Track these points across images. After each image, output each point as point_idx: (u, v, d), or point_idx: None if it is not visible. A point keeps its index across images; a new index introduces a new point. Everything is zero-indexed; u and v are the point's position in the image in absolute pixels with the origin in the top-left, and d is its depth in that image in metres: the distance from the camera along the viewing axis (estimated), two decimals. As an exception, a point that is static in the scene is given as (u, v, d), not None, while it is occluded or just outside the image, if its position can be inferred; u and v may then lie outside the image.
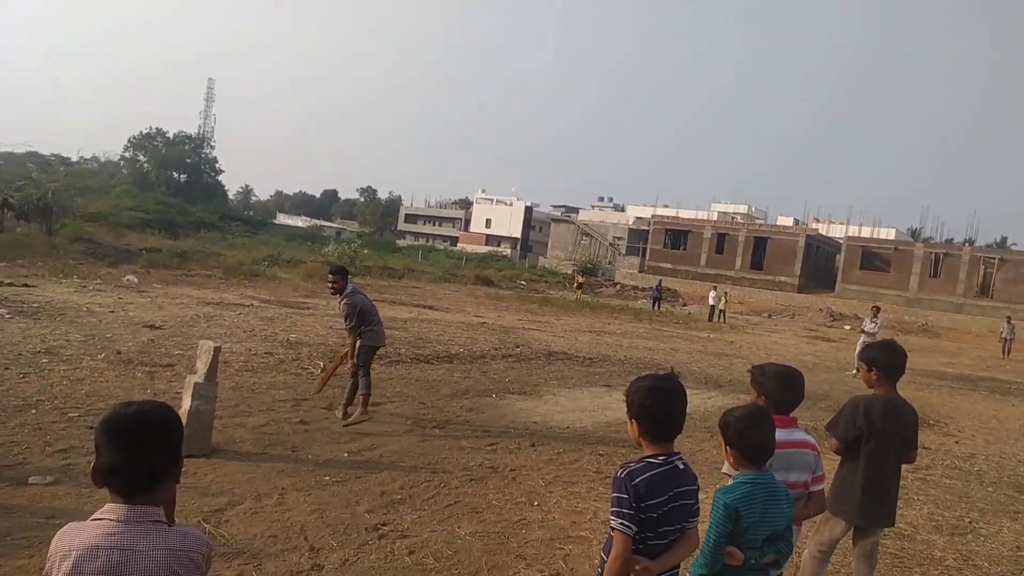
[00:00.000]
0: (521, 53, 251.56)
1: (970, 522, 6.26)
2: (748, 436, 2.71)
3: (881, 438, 3.88)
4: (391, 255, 51.52)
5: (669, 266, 55.19)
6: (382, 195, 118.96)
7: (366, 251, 45.96)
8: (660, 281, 41.08)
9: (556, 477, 6.39)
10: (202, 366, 6.29)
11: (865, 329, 17.39)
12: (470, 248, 79.11)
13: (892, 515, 4.05)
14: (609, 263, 64.27)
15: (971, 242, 52.67)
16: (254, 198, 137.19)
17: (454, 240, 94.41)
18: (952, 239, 57.39)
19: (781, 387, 3.28)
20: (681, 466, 2.54)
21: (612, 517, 2.46)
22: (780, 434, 3.04)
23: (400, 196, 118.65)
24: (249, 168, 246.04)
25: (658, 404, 2.54)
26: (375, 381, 8.54)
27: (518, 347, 14.99)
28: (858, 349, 16.22)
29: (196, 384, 6.15)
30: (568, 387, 11.21)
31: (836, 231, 61.63)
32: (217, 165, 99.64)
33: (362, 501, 5.37)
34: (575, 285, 41.00)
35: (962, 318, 43.49)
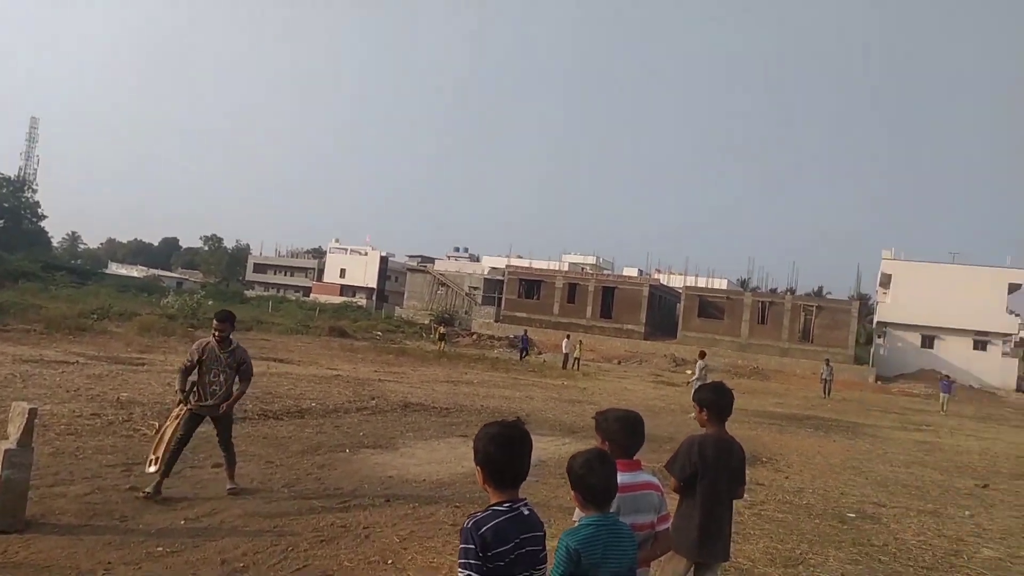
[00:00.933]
0: (373, 100, 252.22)
1: (801, 553, 6.71)
2: (590, 480, 2.78)
3: (714, 475, 4.10)
4: (238, 306, 49.06)
5: (524, 315, 56.31)
6: (228, 243, 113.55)
7: (210, 302, 43.53)
8: (526, 331, 41.69)
9: (411, 533, 6.23)
10: (14, 430, 5.64)
11: (688, 372, 18.63)
12: (324, 299, 77.04)
13: (727, 550, 4.26)
14: (466, 312, 64.67)
15: (792, 291, 57.74)
16: (82, 246, 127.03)
17: (307, 290, 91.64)
18: (776, 288, 62.69)
19: (622, 431, 3.40)
20: (527, 512, 2.55)
21: (459, 569, 2.43)
22: (625, 477, 3.15)
23: (248, 245, 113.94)
24: (78, 214, 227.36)
25: (502, 451, 2.55)
26: (215, 442, 8.02)
27: (373, 399, 14.66)
28: (692, 392, 17.57)
29: (7, 450, 5.50)
30: (424, 439, 11.06)
31: (675, 281, 65.62)
32: (40, 210, 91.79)
33: (200, 572, 4.98)
34: (436, 336, 40.58)
35: (788, 361, 47.31)
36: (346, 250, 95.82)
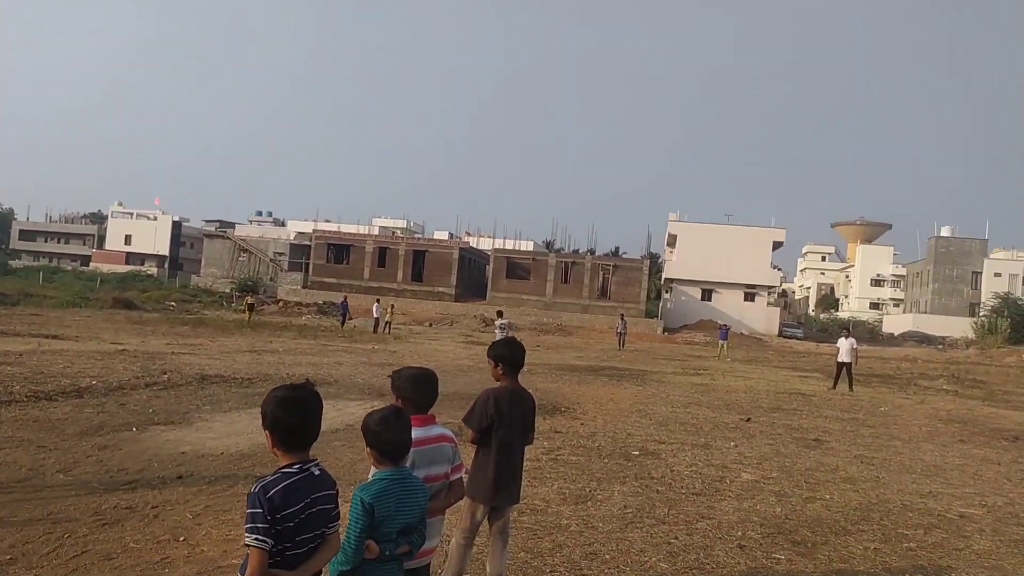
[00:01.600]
0: (166, 45, 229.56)
1: (590, 491, 7.29)
2: (383, 436, 2.86)
3: (508, 425, 4.36)
4: (2, 278, 43.46)
5: (333, 280, 54.99)
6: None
7: (-37, 274, 38.16)
8: (345, 297, 40.64)
9: (207, 508, 6.00)
10: None
11: (495, 331, 19.57)
12: (107, 268, 70.26)
13: (518, 493, 4.56)
14: (271, 280, 61.92)
15: (592, 252, 61.24)
16: None
17: (86, 260, 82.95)
18: (578, 250, 66.11)
19: (413, 388, 3.51)
20: (317, 472, 2.59)
21: (247, 534, 2.43)
22: (419, 432, 3.27)
23: (13, 209, 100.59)
24: None
25: (291, 414, 2.55)
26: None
27: (165, 374, 13.71)
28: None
29: None
30: (223, 411, 10.57)
31: (485, 244, 67.11)
32: None
33: (-45, 571, 4.48)
34: (244, 306, 37.87)
35: (588, 317, 50.37)
36: (132, 214, 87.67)
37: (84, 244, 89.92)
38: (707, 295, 56.55)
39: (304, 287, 55.90)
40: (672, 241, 59.47)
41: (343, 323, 36.44)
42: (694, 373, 23.17)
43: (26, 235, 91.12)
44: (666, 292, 58.55)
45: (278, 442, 2.58)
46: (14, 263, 70.47)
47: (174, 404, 10.81)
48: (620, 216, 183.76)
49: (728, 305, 55.18)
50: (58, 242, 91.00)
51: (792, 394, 18.26)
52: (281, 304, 49.04)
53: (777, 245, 58.65)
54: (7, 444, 7.71)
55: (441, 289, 54.71)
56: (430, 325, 44.09)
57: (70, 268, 70.34)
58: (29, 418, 9.09)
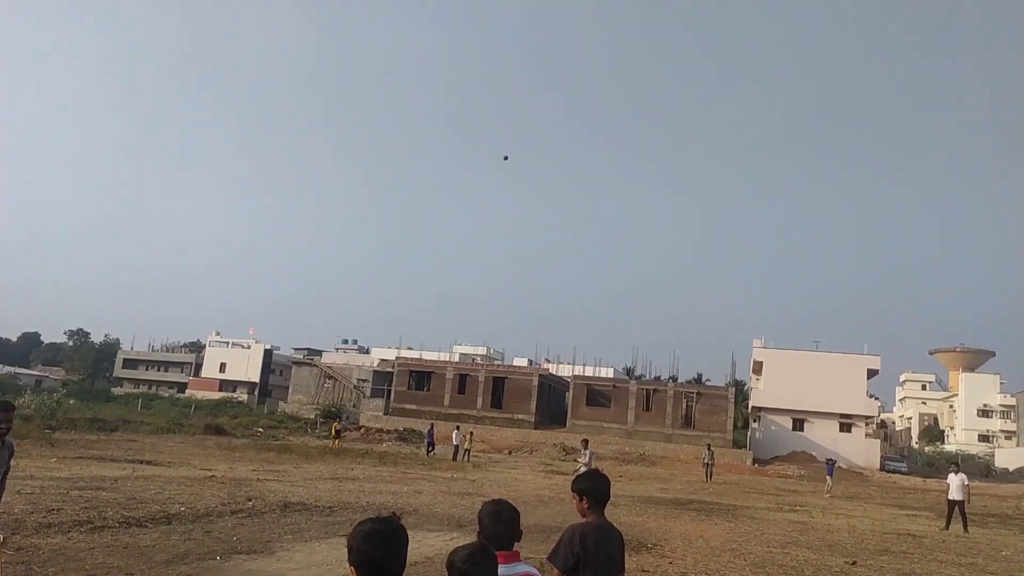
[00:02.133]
0: (256, 186, 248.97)
1: (682, 637, 6.80)
2: (470, 574, 2.79)
3: (595, 564, 4.17)
4: (104, 405, 45.78)
5: (414, 407, 55.38)
6: (96, 338, 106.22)
7: (72, 401, 40.38)
8: (432, 425, 40.19)
9: (285, 642, 5.88)
10: None
11: (579, 460, 19.03)
12: (201, 395, 73.11)
13: None
14: (354, 406, 62.92)
15: (674, 379, 59.91)
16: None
17: (183, 387, 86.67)
18: (659, 376, 64.84)
19: (492, 522, 3.44)
20: None
21: None
22: (503, 569, 3.17)
23: (118, 339, 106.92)
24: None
25: (377, 549, 2.50)
26: (73, 552, 7.35)
27: (250, 500, 13.87)
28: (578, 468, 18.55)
29: None
30: (304, 540, 10.53)
31: (564, 371, 66.73)
32: None
33: None
34: (332, 432, 38.31)
35: (672, 447, 48.59)
36: (227, 343, 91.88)
37: (182, 372, 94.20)
38: (799, 424, 53.93)
39: (386, 413, 56.43)
40: (758, 368, 57.68)
41: (429, 451, 35.87)
42: (790, 509, 21.76)
43: (129, 363, 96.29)
44: (754, 421, 56.21)
45: None
46: (116, 390, 74.27)
47: (257, 532, 10.85)
48: (702, 343, 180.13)
49: (822, 436, 52.35)
50: (158, 370, 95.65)
51: (901, 535, 16.83)
52: (363, 430, 49.50)
53: (872, 373, 56.00)
54: (98, 570, 7.86)
55: (520, 416, 54.20)
56: (509, 453, 43.41)
57: (167, 395, 73.54)
58: (120, 544, 9.28)
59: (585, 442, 21.07)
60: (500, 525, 3.43)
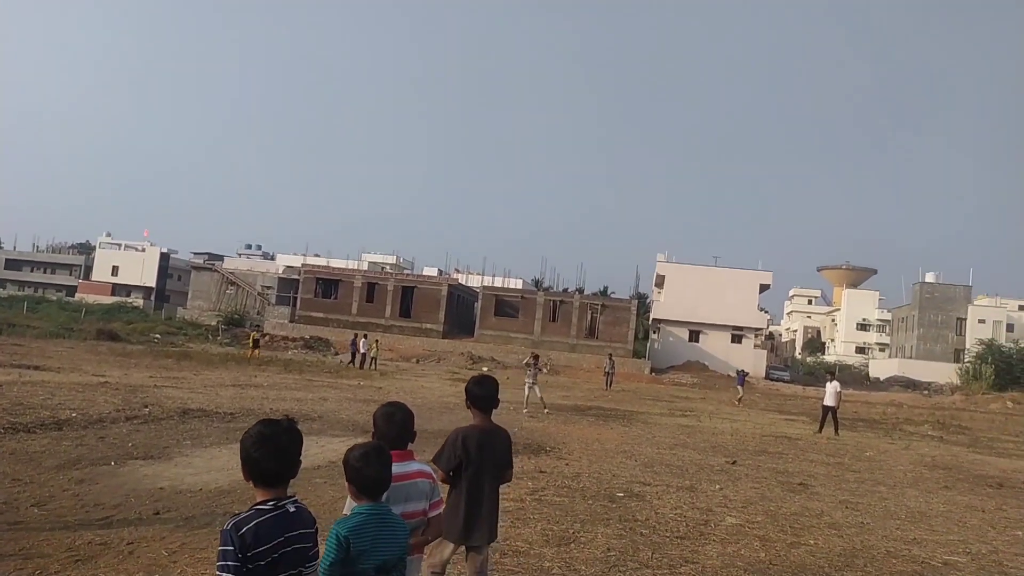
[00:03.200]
0: (161, 78, 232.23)
1: (573, 532, 7.23)
2: (364, 472, 2.85)
3: (478, 464, 4.33)
4: (-16, 307, 43.04)
5: (321, 315, 54.76)
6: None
7: (-54, 303, 37.76)
8: (356, 335, 37.28)
9: (182, 545, 5.89)
10: None
11: (526, 380, 20.23)
12: (92, 299, 69.71)
13: (494, 531, 4.50)
14: (258, 313, 61.59)
15: (581, 291, 61.39)
16: None
17: (72, 290, 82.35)
18: (567, 288, 66.27)
19: (386, 423, 3.51)
20: (293, 509, 2.57)
21: (217, 572, 2.41)
22: (395, 467, 3.26)
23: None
24: None
25: (266, 450, 2.55)
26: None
27: (146, 407, 13.56)
28: (526, 392, 19.84)
29: None
30: (204, 446, 10.44)
31: (474, 281, 67.18)
32: None
33: (-79, 608, 4.37)
34: (250, 341, 35.52)
35: (576, 356, 50.29)
36: (120, 245, 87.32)
37: (71, 274, 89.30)
38: (695, 336, 56.67)
39: (291, 321, 55.61)
40: (660, 282, 59.78)
41: (353, 362, 34.15)
42: (680, 415, 23.11)
43: (11, 264, 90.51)
44: (654, 333, 58.65)
45: (252, 477, 2.57)
46: (-2, 292, 69.84)
47: (154, 438, 10.67)
48: (609, 256, 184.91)
49: (715, 347, 55.31)
50: (44, 272, 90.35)
51: (778, 437, 18.23)
52: (267, 338, 48.69)
53: (764, 288, 59.05)
54: (-19, 477, 7.58)
55: (429, 326, 54.57)
56: (417, 362, 43.87)
57: (55, 298, 69.76)
58: (6, 450, 8.95)
59: (535, 357, 21.97)
60: (393, 426, 3.50)
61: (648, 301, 68.11)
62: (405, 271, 74.72)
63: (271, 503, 2.53)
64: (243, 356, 32.81)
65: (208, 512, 6.98)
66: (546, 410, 19.48)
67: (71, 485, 7.57)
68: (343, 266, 66.02)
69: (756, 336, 59.32)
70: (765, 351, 61.05)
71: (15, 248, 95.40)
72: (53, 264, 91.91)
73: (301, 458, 2.65)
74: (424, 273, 72.41)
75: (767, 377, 54.79)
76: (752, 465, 12.90)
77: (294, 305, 59.04)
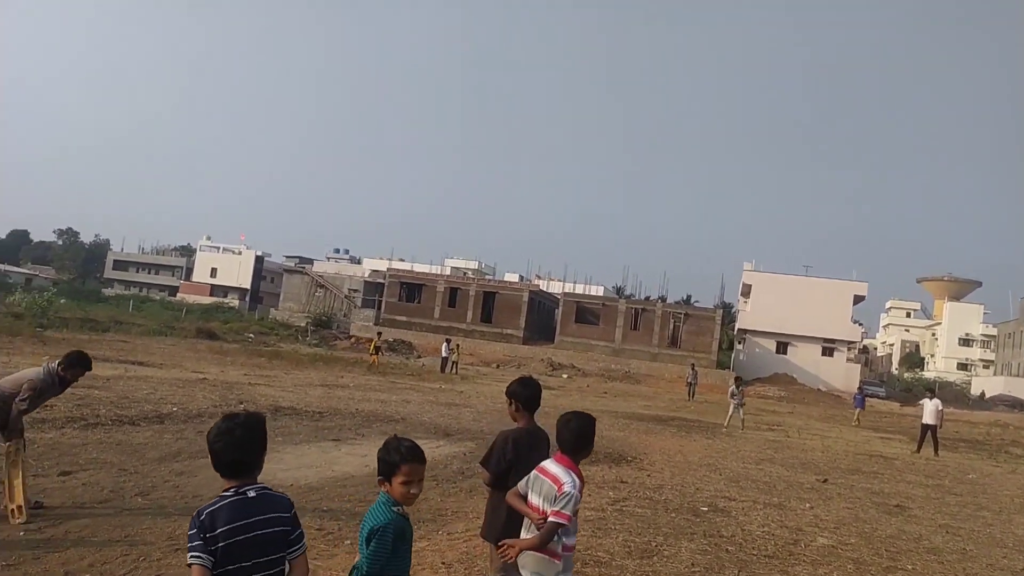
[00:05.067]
0: (254, 93, 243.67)
1: (656, 545, 7.09)
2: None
3: (525, 467, 4.29)
4: (95, 305, 45.93)
5: (404, 319, 55.87)
6: (85, 238, 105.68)
7: (63, 301, 40.48)
8: (448, 340, 37.29)
9: (275, 538, 6.10)
10: None
11: (733, 394, 20.73)
12: (192, 299, 73.28)
13: None
14: (344, 316, 63.37)
15: (663, 299, 60.46)
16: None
17: (173, 290, 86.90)
18: (648, 296, 65.42)
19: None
20: (252, 495, 2.68)
21: (188, 552, 2.57)
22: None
23: (108, 240, 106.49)
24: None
25: (220, 442, 2.71)
26: (67, 447, 7.51)
27: (241, 403, 14.14)
28: (730, 411, 20.37)
29: None
30: (294, 443, 10.80)
31: (555, 287, 67.14)
32: None
33: (39, 586, 4.68)
34: (371, 347, 33.77)
35: (657, 365, 49.46)
36: (218, 248, 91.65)
37: (173, 275, 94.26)
38: (782, 348, 54.86)
39: (376, 324, 56.94)
40: (747, 291, 58.18)
41: (444, 368, 33.69)
42: (767, 428, 22.40)
43: (119, 265, 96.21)
44: (739, 343, 57.11)
45: (217, 468, 2.73)
46: (107, 291, 74.39)
47: (248, 434, 11.09)
48: (693, 264, 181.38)
49: (804, 359, 53.38)
50: (148, 273, 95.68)
51: (873, 456, 17.41)
52: (353, 340, 50.06)
53: (858, 299, 56.62)
54: (91, 466, 8.06)
55: (509, 331, 54.85)
56: (497, 366, 44.14)
57: (158, 298, 73.73)
58: (113, 441, 9.50)
59: (738, 380, 22.24)
60: (565, 432, 3.74)
61: (733, 311, 66.43)
62: (487, 276, 75.42)
63: (232, 490, 2.67)
64: (368, 362, 31.37)
65: (299, 507, 7.12)
66: (742, 429, 19.89)
67: (172, 476, 7.96)
68: (426, 271, 67.18)
69: (849, 349, 56.90)
70: (858, 365, 58.42)
71: (122, 250, 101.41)
72: (157, 265, 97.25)
73: (263, 450, 2.78)
74: (506, 279, 72.85)
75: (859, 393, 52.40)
76: (845, 484, 12.36)
77: (379, 308, 60.45)
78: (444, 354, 34.73)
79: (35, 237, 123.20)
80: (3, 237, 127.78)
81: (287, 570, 2.72)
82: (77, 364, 6.42)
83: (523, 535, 3.77)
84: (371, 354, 32.88)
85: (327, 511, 7.13)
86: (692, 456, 13.89)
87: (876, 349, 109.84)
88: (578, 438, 3.72)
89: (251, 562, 2.59)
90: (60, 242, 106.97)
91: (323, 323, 55.50)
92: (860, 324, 61.00)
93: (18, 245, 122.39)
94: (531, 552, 3.59)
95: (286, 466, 9.13)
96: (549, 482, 3.63)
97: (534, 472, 3.75)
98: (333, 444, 11.03)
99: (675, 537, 7.49)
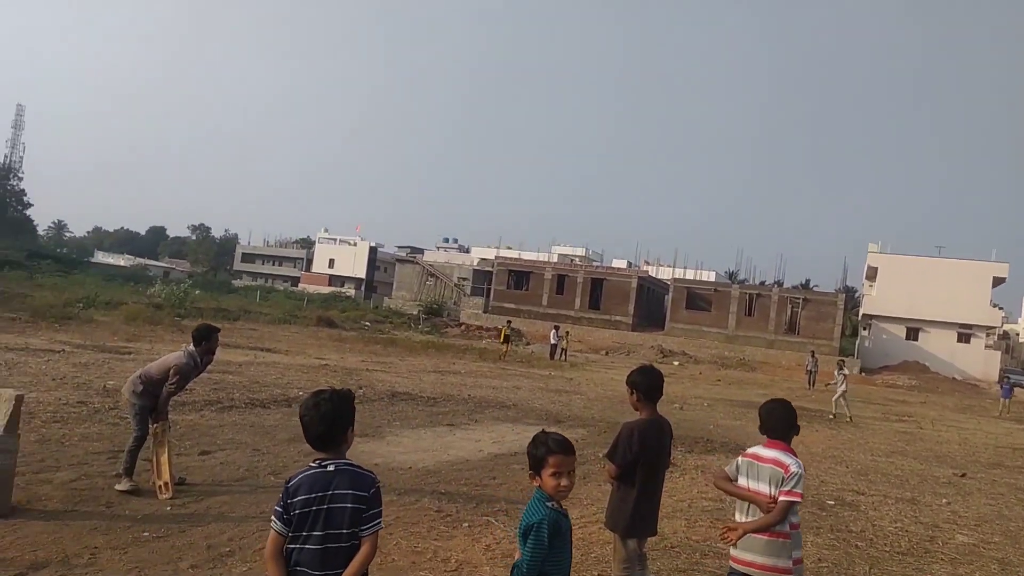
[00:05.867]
0: (367, 95, 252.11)
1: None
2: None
3: (653, 458, 4.20)
4: (226, 296, 48.95)
5: (512, 306, 56.40)
6: (216, 233, 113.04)
7: (197, 292, 43.39)
8: (557, 327, 36.33)
9: (396, 519, 6.31)
10: (0, 417, 5.68)
11: (835, 385, 20.30)
12: (312, 289, 76.88)
13: (656, 525, 4.39)
14: (454, 303, 64.71)
15: (779, 284, 58.13)
16: (68, 234, 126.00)
17: (295, 280, 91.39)
18: (764, 281, 63.03)
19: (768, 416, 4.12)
20: (331, 468, 2.76)
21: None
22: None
23: (236, 234, 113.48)
24: (64, 202, 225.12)
25: (309, 417, 2.82)
26: (206, 428, 8.04)
27: (361, 388, 14.71)
28: (841, 399, 19.92)
29: (-8, 437, 5.53)
30: (411, 427, 11.13)
31: (664, 273, 65.87)
32: (25, 198, 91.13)
33: (185, 557, 5.04)
34: (501, 336, 33.51)
35: (774, 352, 47.64)
36: (335, 240, 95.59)
37: (295, 267, 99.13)
38: (913, 334, 51.53)
39: (485, 311, 57.80)
40: (872, 274, 54.98)
41: (553, 355, 33.42)
42: (897, 419, 21.16)
43: (247, 257, 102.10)
44: (864, 329, 54.13)
45: (307, 440, 2.85)
46: (236, 282, 79.11)
47: (368, 418, 11.52)
48: (811, 247, 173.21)
49: (937, 346, 49.96)
50: (273, 264, 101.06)
51: (1017, 449, 16.11)
52: (463, 327, 51.06)
53: (998, 281, 52.33)
54: (228, 446, 8.61)
55: (618, 318, 54.33)
56: (606, 354, 43.85)
57: (282, 288, 77.77)
58: (246, 423, 10.10)
59: (841, 363, 21.89)
60: (772, 419, 4.00)
61: (857, 295, 63.01)
62: (594, 263, 74.95)
63: (317, 462, 2.77)
64: (496, 352, 31.20)
65: (417, 489, 7.43)
66: (849, 419, 19.38)
67: (301, 457, 8.37)
68: (534, 258, 67.50)
69: (988, 335, 52.75)
70: (999, 352, 54.11)
71: (249, 243, 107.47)
72: (280, 257, 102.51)
73: (349, 425, 2.88)
74: (614, 266, 72.13)
75: (1000, 382, 48.58)
76: (986, 479, 11.51)
77: (488, 296, 61.31)
78: (553, 341, 34.80)
79: (171, 233, 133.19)
80: (143, 233, 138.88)
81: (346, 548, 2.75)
82: (204, 337, 6.88)
83: (738, 518, 3.82)
84: (501, 343, 32.85)
85: (444, 494, 7.31)
86: (815, 447, 13.30)
87: (1019, 335, 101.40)
88: (786, 423, 3.92)
89: (323, 532, 2.68)
90: (193, 237, 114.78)
91: (434, 311, 56.88)
92: (1000, 308, 56.33)
93: (156, 241, 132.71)
94: (758, 536, 3.66)
95: (404, 449, 9.43)
96: (770, 466, 3.75)
97: (744, 460, 3.90)
98: (447, 429, 11.29)
99: (801, 531, 7.18)
